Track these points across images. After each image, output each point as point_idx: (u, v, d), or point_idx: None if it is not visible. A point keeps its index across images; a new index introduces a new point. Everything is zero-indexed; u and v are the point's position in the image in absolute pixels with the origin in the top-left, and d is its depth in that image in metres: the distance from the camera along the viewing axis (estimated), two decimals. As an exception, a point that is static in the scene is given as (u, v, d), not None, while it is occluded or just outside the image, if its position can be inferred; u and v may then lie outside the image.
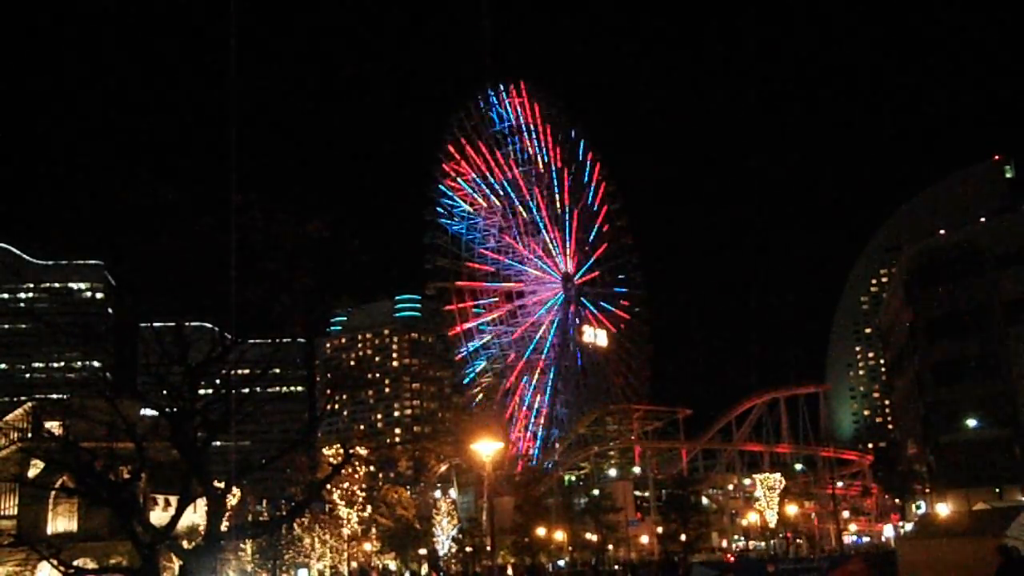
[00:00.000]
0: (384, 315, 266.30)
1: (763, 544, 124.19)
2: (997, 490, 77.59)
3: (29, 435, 47.49)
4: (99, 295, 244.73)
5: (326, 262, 25.53)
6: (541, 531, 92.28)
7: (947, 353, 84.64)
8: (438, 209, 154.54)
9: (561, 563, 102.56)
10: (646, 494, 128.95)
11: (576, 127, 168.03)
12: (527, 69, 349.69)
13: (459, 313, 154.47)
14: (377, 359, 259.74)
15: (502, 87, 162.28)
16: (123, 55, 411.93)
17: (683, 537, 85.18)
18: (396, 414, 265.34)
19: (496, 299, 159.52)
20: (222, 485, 27.69)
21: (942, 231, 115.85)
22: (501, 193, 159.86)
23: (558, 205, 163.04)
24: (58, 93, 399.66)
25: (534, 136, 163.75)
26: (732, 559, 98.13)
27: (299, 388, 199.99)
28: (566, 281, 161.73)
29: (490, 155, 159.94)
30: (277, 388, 34.32)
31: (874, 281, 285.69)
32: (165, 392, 25.57)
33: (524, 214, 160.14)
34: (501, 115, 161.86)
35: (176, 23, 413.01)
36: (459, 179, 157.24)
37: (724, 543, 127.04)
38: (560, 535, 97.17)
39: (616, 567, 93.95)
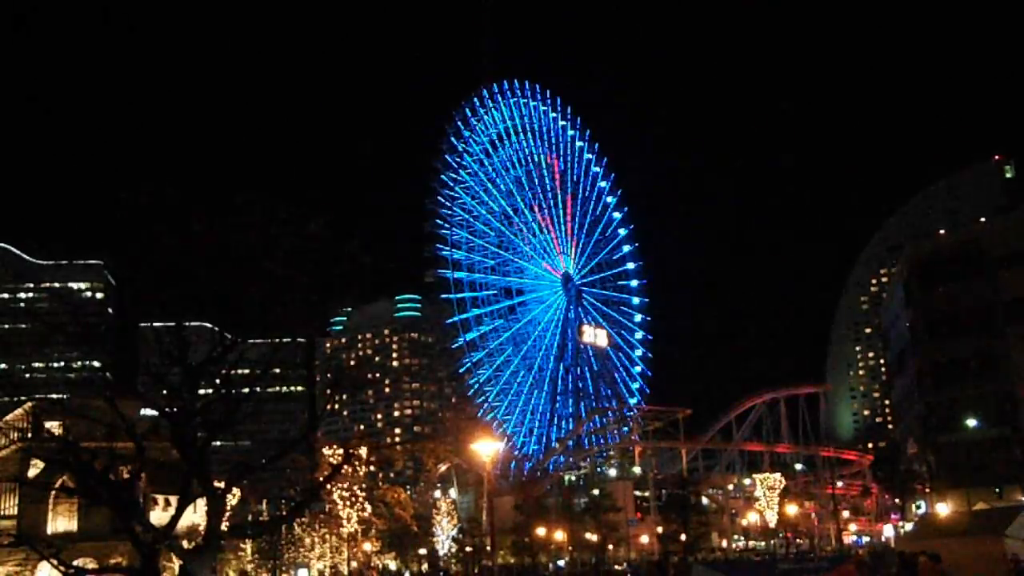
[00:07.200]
0: (384, 315, 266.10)
1: (763, 544, 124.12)
2: (997, 490, 77.60)
3: (29, 435, 47.63)
4: (99, 295, 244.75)
5: (326, 262, 25.50)
6: (541, 531, 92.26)
7: (947, 353, 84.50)
8: (439, 199, 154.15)
9: (561, 563, 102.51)
10: (646, 494, 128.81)
11: (577, 127, 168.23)
12: (528, 68, 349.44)
13: (457, 303, 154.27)
14: (377, 359, 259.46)
15: (505, 85, 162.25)
16: (123, 54, 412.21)
17: (683, 537, 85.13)
18: (396, 414, 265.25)
19: (495, 292, 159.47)
20: (222, 485, 27.63)
21: (942, 231, 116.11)
22: (503, 191, 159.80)
23: (559, 205, 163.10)
24: (58, 93, 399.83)
25: (535, 136, 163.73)
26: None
27: (299, 388, 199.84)
28: (566, 281, 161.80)
29: (492, 153, 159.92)
30: (277, 388, 34.40)
31: (874, 281, 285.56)
32: (165, 392, 25.56)
33: (525, 213, 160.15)
34: (503, 114, 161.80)
35: (177, 22, 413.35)
36: (461, 172, 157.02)
37: (724, 543, 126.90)
38: (560, 535, 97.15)
39: (626, 564, 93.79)
